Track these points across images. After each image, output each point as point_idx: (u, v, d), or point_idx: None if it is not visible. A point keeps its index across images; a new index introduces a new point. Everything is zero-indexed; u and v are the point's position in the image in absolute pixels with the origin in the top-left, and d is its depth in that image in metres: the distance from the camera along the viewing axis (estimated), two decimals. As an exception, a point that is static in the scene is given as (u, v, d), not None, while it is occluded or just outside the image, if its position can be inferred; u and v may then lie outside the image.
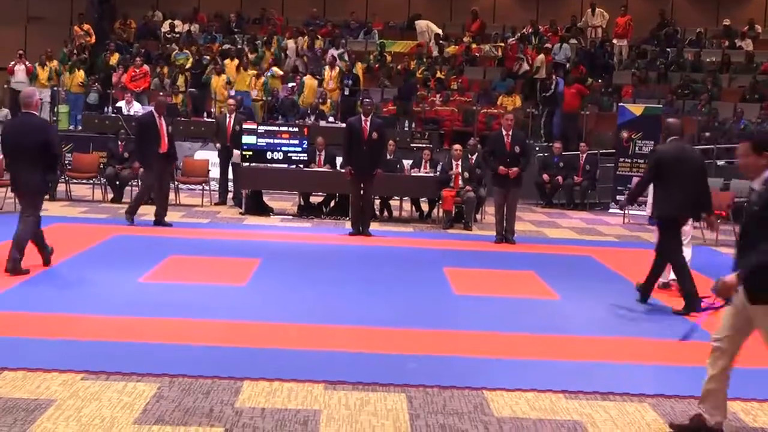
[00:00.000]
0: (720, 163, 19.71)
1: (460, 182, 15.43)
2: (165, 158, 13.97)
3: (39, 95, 10.67)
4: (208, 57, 24.42)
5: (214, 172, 17.62)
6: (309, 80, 23.17)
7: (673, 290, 10.36)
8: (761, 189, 5.53)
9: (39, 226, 10.23)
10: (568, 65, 25.00)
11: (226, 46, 25.47)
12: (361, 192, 13.95)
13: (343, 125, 21.06)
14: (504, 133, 13.80)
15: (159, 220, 13.86)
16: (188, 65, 24.15)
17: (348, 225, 14.42)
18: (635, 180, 18.03)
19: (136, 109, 21.29)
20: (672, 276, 10.31)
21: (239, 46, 25.58)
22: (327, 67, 23.85)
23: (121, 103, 21.38)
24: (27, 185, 10.00)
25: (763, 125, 20.29)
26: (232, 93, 22.16)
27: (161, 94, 23.04)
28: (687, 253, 10.11)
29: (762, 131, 7.49)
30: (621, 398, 6.39)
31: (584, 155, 19.23)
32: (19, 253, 9.90)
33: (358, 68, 24.02)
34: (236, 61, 23.77)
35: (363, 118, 13.90)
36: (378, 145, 13.94)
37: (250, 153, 15.91)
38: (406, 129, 20.97)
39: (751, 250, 5.43)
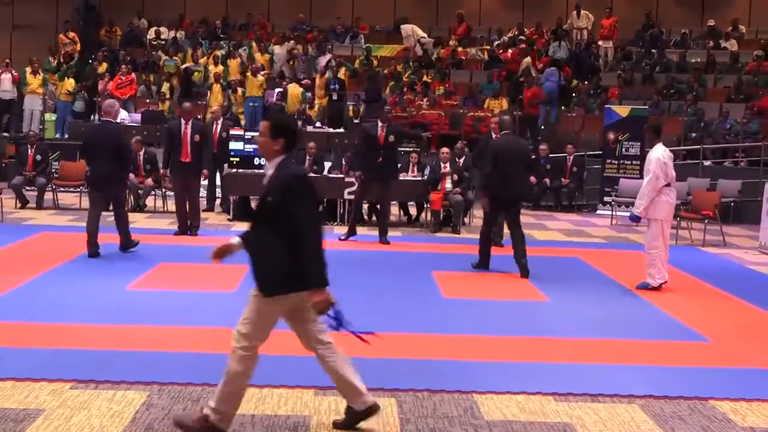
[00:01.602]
0: (706, 163, 19.78)
1: (448, 185, 15.44)
2: (189, 167, 13.65)
3: (118, 106, 12.91)
4: (200, 62, 24.48)
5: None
6: (293, 88, 23.20)
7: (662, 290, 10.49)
8: (273, 176, 5.41)
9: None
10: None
11: (222, 52, 25.47)
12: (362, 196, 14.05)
13: (331, 130, 21.25)
14: (494, 136, 13.81)
15: (190, 231, 13.73)
16: (182, 65, 24.18)
17: (337, 230, 14.42)
18: (622, 181, 18.27)
19: (123, 116, 21.24)
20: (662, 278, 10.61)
21: (224, 52, 25.58)
22: (318, 74, 23.92)
23: (107, 111, 21.33)
24: (105, 181, 11.74)
25: (748, 125, 20.39)
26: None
27: (148, 101, 23.13)
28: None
29: (279, 116, 7.42)
30: (611, 400, 6.40)
31: (571, 157, 19.26)
32: (126, 236, 12.12)
33: (342, 73, 24.05)
34: (220, 67, 23.84)
35: (380, 124, 13.79)
36: (393, 150, 13.87)
37: (238, 159, 15.90)
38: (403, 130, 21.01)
39: (258, 242, 5.42)
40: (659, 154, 10.52)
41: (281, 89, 23.26)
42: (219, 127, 16.82)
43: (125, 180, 12.61)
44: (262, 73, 23.63)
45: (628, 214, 17.66)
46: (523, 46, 25.85)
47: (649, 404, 6.33)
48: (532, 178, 13.21)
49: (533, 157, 12.23)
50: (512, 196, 11.57)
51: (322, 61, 25.22)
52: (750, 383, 6.92)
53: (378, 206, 14.66)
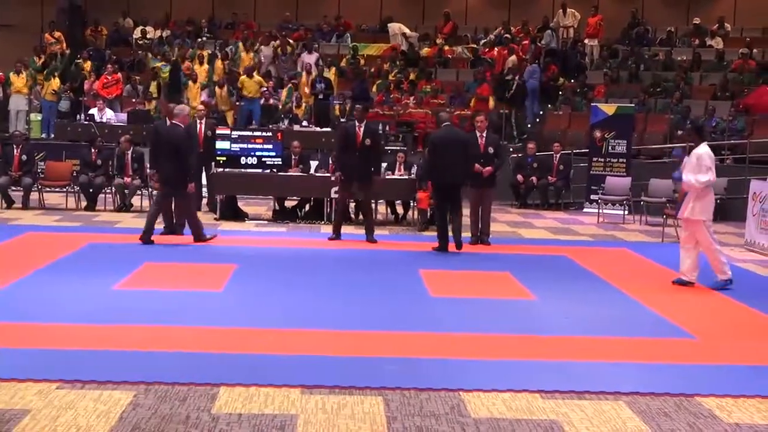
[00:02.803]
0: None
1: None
2: None
3: (188, 111, 14.18)
4: (181, 62, 24.41)
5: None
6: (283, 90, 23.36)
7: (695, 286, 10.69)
8: None
9: (193, 207, 13.62)
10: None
11: (208, 51, 25.43)
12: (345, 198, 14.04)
13: (317, 129, 21.24)
14: (478, 134, 13.84)
15: (176, 230, 13.71)
16: (165, 75, 24.17)
17: (324, 229, 14.41)
18: (609, 179, 18.31)
19: (109, 116, 21.22)
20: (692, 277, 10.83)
21: (211, 52, 25.53)
22: (303, 73, 23.91)
23: (93, 111, 21.28)
24: (169, 179, 13.03)
25: (734, 123, 20.45)
26: (204, 98, 22.14)
27: (134, 100, 23.08)
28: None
29: None
30: (597, 397, 6.42)
31: (558, 155, 19.29)
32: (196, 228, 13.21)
33: (330, 72, 24.03)
34: (206, 66, 23.83)
35: (357, 124, 13.77)
36: (371, 151, 13.76)
37: (224, 158, 15.88)
38: (380, 132, 20.97)
39: None
40: (708, 150, 10.65)
41: (265, 88, 23.26)
42: (203, 126, 16.77)
43: (185, 177, 13.15)
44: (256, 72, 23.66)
45: (615, 212, 17.92)
46: (521, 44, 25.87)
47: (635, 401, 6.35)
48: (478, 166, 13.33)
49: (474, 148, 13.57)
50: (450, 181, 12.93)
51: (307, 59, 25.14)
52: (736, 380, 6.95)
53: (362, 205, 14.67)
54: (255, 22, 29.57)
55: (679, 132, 20.73)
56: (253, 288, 10.10)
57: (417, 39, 27.60)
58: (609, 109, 19.68)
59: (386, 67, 25.55)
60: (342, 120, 21.67)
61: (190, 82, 23.06)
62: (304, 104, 22.85)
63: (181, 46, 26.09)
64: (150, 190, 16.99)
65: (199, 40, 26.65)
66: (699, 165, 10.57)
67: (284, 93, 23.26)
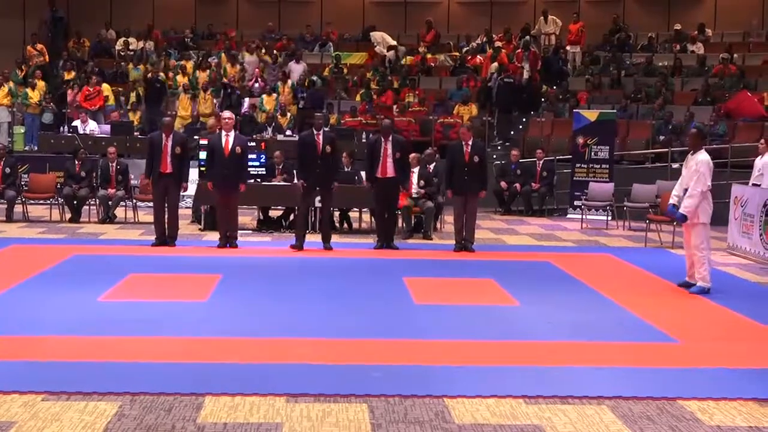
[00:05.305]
0: (675, 165, 19.90)
1: (414, 191, 15.50)
2: (170, 178, 13.69)
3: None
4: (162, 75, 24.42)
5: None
6: (267, 99, 23.28)
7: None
8: None
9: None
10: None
11: (191, 62, 25.45)
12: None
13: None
14: (463, 143, 13.87)
15: (164, 241, 13.77)
16: (149, 74, 24.20)
17: (308, 238, 14.42)
18: (592, 185, 18.38)
19: (92, 127, 21.19)
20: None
21: (194, 62, 25.54)
22: (280, 82, 23.93)
23: (76, 122, 21.26)
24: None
25: (715, 127, 20.57)
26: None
27: (117, 113, 23.03)
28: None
29: None
30: (580, 401, 6.47)
31: (541, 162, 19.36)
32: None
33: (307, 81, 24.05)
34: (187, 77, 23.85)
35: (315, 132, 13.81)
36: (332, 158, 13.85)
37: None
38: (364, 140, 21.01)
39: None
40: (708, 157, 10.79)
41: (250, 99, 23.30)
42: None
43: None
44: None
45: (598, 217, 18.00)
46: (513, 53, 25.97)
47: (618, 405, 6.40)
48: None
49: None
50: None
51: (294, 68, 25.17)
52: (717, 382, 7.01)
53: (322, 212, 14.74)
54: (237, 32, 29.55)
55: (662, 137, 20.87)
56: (238, 298, 10.12)
57: (403, 53, 27.57)
58: (591, 115, 19.75)
59: (369, 75, 25.59)
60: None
61: (182, 93, 23.09)
62: (288, 113, 22.87)
63: (182, 57, 26.08)
64: (134, 201, 17.00)
65: (188, 51, 26.64)
66: (697, 171, 10.69)
67: (266, 102, 23.22)
